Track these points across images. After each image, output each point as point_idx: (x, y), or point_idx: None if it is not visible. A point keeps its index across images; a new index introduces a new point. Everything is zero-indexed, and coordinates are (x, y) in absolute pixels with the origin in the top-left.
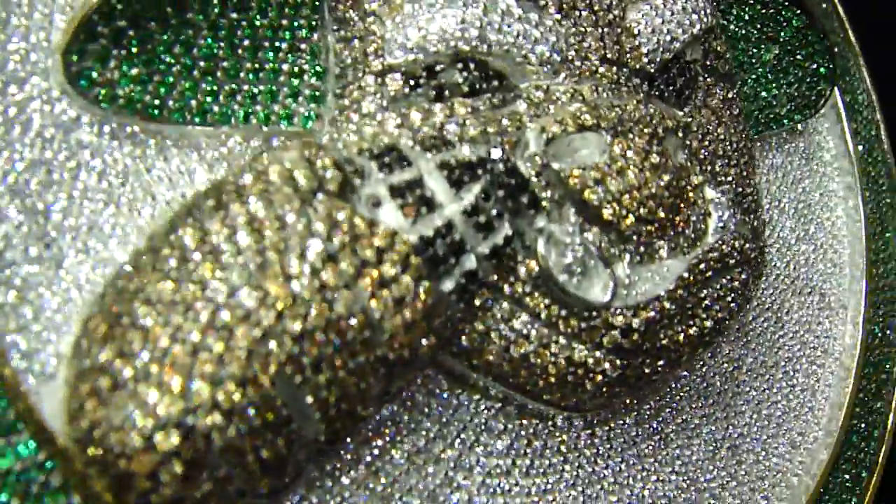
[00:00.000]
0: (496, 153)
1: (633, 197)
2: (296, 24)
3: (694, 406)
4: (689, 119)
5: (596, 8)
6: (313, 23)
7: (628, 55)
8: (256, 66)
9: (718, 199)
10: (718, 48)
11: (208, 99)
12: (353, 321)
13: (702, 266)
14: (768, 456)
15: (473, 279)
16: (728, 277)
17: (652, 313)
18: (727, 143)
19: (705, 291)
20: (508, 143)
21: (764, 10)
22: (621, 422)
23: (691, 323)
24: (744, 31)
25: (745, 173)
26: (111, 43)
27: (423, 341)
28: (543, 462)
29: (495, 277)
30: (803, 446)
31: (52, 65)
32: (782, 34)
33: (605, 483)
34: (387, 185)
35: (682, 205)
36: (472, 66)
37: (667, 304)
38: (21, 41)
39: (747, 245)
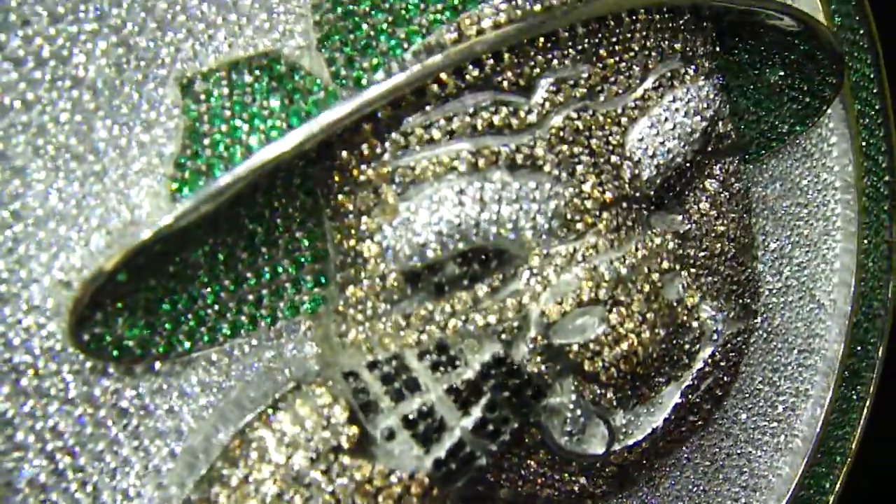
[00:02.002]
0: (497, 352)
1: (631, 360)
2: (291, 218)
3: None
4: (688, 226)
5: (595, 148)
6: (308, 213)
7: (628, 186)
8: (257, 272)
9: (713, 317)
10: (722, 130)
11: (215, 323)
12: None
13: (695, 386)
14: (752, 467)
15: (483, 471)
16: (721, 374)
17: (648, 444)
18: (726, 234)
19: (699, 400)
20: (510, 332)
21: (770, 37)
22: None
23: (685, 430)
24: (748, 57)
25: (741, 260)
26: (115, 309)
27: None
28: None
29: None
30: (785, 452)
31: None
32: (789, 56)
33: None
34: (399, 417)
35: (677, 339)
36: (470, 255)
37: (662, 432)
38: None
39: (739, 338)
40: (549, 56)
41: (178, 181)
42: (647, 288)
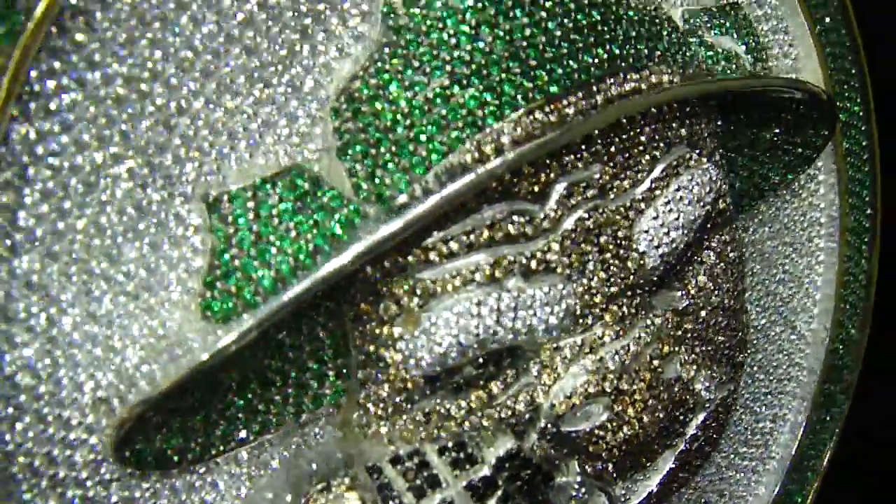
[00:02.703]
0: (510, 447)
1: (632, 441)
2: (315, 322)
3: None
4: (686, 302)
5: (604, 245)
6: (330, 317)
7: (633, 276)
8: (283, 374)
9: (706, 387)
10: (722, 206)
11: (245, 425)
12: None
13: (688, 450)
14: (731, 490)
15: None
16: (711, 433)
17: None
18: (721, 305)
19: (690, 458)
20: (522, 424)
21: (767, 96)
22: None
23: (677, 485)
24: (745, 120)
25: (734, 326)
26: (155, 426)
27: None
28: None
29: None
30: (762, 474)
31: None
32: (785, 116)
33: None
34: None
35: (674, 413)
36: (486, 357)
37: (657, 492)
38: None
39: (729, 399)
40: (564, 162)
41: (207, 299)
42: (648, 376)
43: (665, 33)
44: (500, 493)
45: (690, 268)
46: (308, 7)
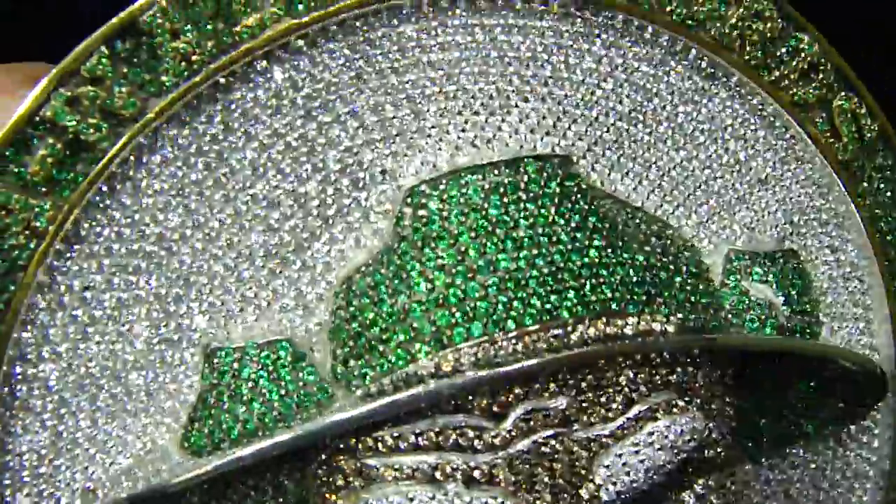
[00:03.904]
0: None
1: None
2: (280, 469)
3: None
4: None
5: (558, 470)
6: (291, 471)
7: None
8: None
9: None
10: (709, 455)
11: None
12: None
13: None
14: None
15: None
16: None
17: None
18: None
19: None
20: None
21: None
22: None
23: None
24: (769, 381)
25: None
26: None
27: None
28: None
29: None
30: None
31: None
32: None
33: None
34: None
35: None
36: None
37: None
38: None
39: None
40: (526, 389)
41: (188, 432)
42: None
43: (679, 279)
44: None
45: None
46: (334, 199)
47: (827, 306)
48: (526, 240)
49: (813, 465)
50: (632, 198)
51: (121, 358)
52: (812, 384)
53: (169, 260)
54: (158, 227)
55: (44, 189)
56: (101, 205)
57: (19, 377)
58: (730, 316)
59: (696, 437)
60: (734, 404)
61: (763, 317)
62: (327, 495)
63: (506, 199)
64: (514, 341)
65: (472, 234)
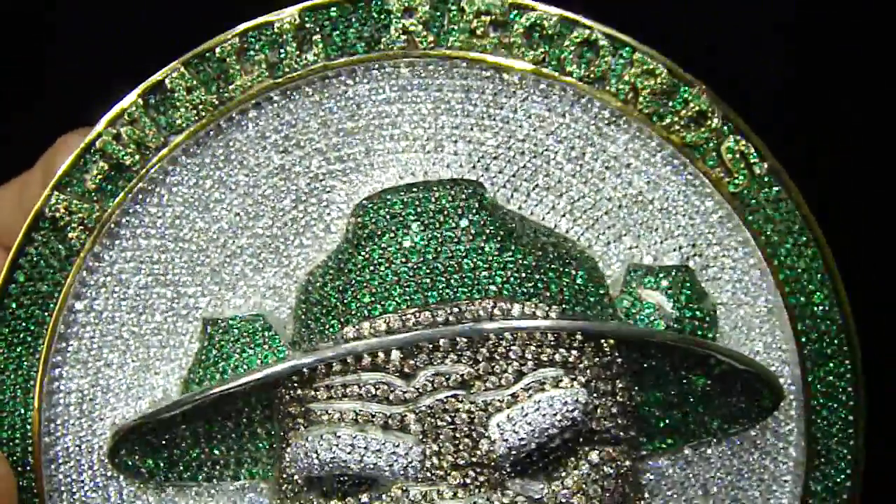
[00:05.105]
0: None
1: None
2: (252, 417)
3: None
4: (544, 494)
5: (458, 424)
6: (266, 418)
7: (483, 457)
8: (227, 445)
9: None
10: (596, 427)
11: (196, 473)
12: None
13: None
14: None
15: None
16: None
17: None
18: None
19: None
20: None
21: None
22: None
23: None
24: (666, 366)
25: None
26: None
27: None
28: None
29: None
30: None
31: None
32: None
33: None
34: None
35: None
36: (347, 478)
37: None
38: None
39: None
40: (431, 357)
41: (187, 381)
42: None
43: (566, 280)
44: None
45: (562, 470)
46: (304, 214)
47: (731, 322)
48: (434, 239)
49: (733, 466)
50: (545, 221)
51: (144, 325)
52: (708, 382)
53: (181, 254)
54: (174, 229)
55: (95, 198)
56: (133, 211)
57: (70, 335)
58: (623, 316)
59: (578, 407)
60: (628, 389)
61: (653, 317)
62: (282, 434)
63: (420, 209)
64: (418, 315)
65: (392, 234)
